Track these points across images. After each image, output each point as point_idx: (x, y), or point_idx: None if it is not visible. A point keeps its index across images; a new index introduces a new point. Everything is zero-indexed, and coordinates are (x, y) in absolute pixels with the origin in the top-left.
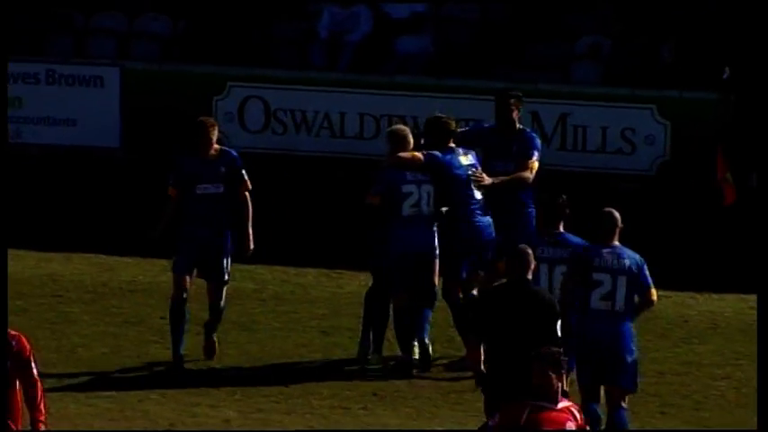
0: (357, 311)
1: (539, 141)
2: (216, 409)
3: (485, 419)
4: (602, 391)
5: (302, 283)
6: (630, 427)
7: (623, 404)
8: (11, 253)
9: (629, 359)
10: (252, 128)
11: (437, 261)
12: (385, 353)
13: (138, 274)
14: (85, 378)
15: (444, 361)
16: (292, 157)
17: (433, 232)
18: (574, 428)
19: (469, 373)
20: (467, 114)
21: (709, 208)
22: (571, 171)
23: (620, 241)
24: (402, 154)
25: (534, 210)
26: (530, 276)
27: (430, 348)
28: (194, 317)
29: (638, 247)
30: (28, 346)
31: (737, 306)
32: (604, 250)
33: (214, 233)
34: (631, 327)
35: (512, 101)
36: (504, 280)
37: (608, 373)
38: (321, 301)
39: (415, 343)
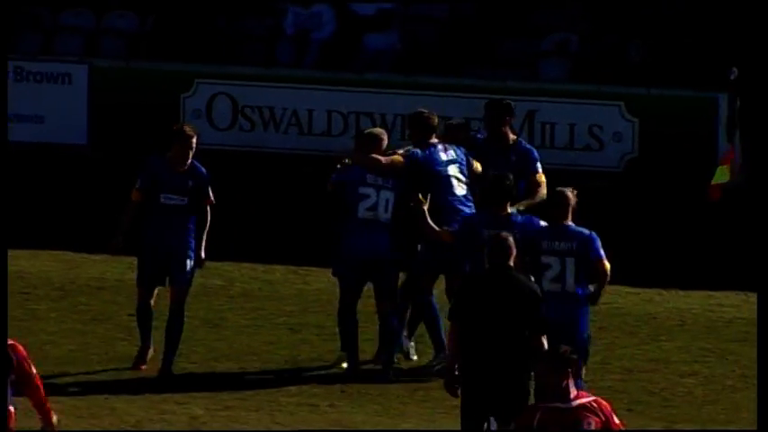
0: (325, 308)
1: (536, 151)
2: (183, 407)
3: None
4: None
5: (270, 280)
6: None
7: (581, 378)
8: None
9: (583, 336)
10: (220, 125)
11: (394, 266)
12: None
13: (106, 272)
14: (52, 375)
15: (413, 357)
16: (260, 154)
17: (392, 239)
18: (593, 428)
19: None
20: (435, 112)
21: (677, 205)
22: None
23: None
24: (382, 159)
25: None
26: (511, 263)
27: (395, 359)
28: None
29: (605, 244)
30: (24, 354)
31: (704, 303)
32: (552, 232)
33: (177, 241)
34: (584, 307)
35: (504, 114)
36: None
37: None
38: (289, 298)
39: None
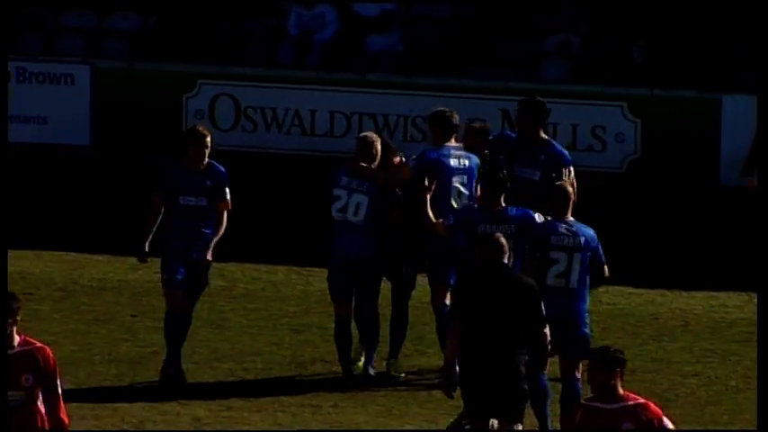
0: (328, 309)
1: (568, 155)
2: (186, 407)
3: (463, 419)
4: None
5: (273, 281)
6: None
7: (577, 374)
8: None
9: (585, 331)
10: (222, 125)
11: (377, 269)
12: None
13: (109, 272)
14: None
15: (415, 359)
16: (263, 155)
17: (369, 240)
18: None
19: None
20: None
21: (680, 206)
22: None
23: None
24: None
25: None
26: (506, 261)
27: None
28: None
29: (608, 245)
30: (53, 359)
31: (707, 304)
32: (561, 227)
33: (199, 246)
34: (585, 303)
35: (535, 112)
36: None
37: (565, 345)
38: (292, 299)
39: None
